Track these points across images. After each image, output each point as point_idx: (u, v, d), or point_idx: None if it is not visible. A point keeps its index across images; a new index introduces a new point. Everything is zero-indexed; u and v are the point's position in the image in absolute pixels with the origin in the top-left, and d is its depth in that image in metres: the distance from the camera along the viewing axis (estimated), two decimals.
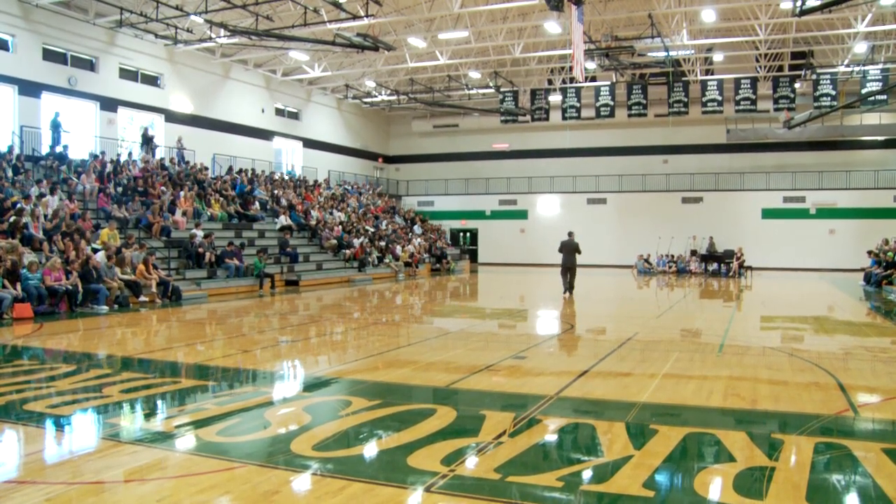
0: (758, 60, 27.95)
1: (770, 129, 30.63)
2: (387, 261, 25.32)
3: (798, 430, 4.97)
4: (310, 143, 32.66)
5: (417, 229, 32.11)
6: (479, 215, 35.62)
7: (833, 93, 25.85)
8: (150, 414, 5.56)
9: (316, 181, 30.69)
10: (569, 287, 16.41)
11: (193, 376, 7.10)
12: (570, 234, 17.12)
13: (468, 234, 36.06)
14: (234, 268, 17.65)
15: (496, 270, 30.89)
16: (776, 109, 27.30)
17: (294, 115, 31.90)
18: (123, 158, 21.48)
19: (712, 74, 28.65)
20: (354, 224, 27.12)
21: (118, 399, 5.93)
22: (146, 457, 4.32)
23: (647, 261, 29.59)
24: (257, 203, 23.48)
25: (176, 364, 7.80)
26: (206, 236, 17.96)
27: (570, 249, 16.52)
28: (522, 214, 34.78)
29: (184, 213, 19.46)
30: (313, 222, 24.67)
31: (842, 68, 26.37)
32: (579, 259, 16.88)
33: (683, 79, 27.76)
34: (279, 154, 31.15)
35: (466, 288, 22.12)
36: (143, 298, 14.26)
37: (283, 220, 23.18)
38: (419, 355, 8.30)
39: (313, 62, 28.31)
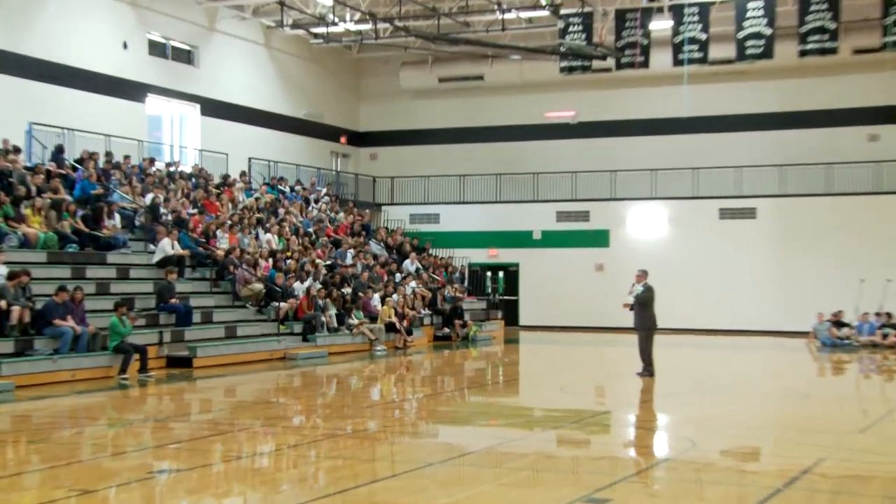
0: None
1: None
2: (354, 321, 25.57)
3: None
4: (214, 108, 32.62)
5: (410, 265, 31.53)
6: (521, 239, 35.70)
7: None
8: None
9: (226, 176, 30.40)
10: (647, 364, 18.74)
11: None
12: (644, 273, 18.92)
13: (502, 274, 35.81)
14: (71, 335, 17.90)
15: (552, 339, 31.75)
16: None
17: (185, 56, 32.09)
18: None
19: None
20: (296, 255, 26.45)
21: None
22: None
23: (837, 323, 28.74)
24: (116, 216, 23.53)
25: None
26: (11, 277, 18.07)
27: (646, 302, 18.64)
28: (600, 238, 34.87)
29: None
30: (220, 251, 24.45)
31: None
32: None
33: None
34: (157, 125, 31.27)
35: (498, 371, 23.27)
36: None
37: (167, 246, 22.80)
38: (413, 495, 8.67)
39: None
